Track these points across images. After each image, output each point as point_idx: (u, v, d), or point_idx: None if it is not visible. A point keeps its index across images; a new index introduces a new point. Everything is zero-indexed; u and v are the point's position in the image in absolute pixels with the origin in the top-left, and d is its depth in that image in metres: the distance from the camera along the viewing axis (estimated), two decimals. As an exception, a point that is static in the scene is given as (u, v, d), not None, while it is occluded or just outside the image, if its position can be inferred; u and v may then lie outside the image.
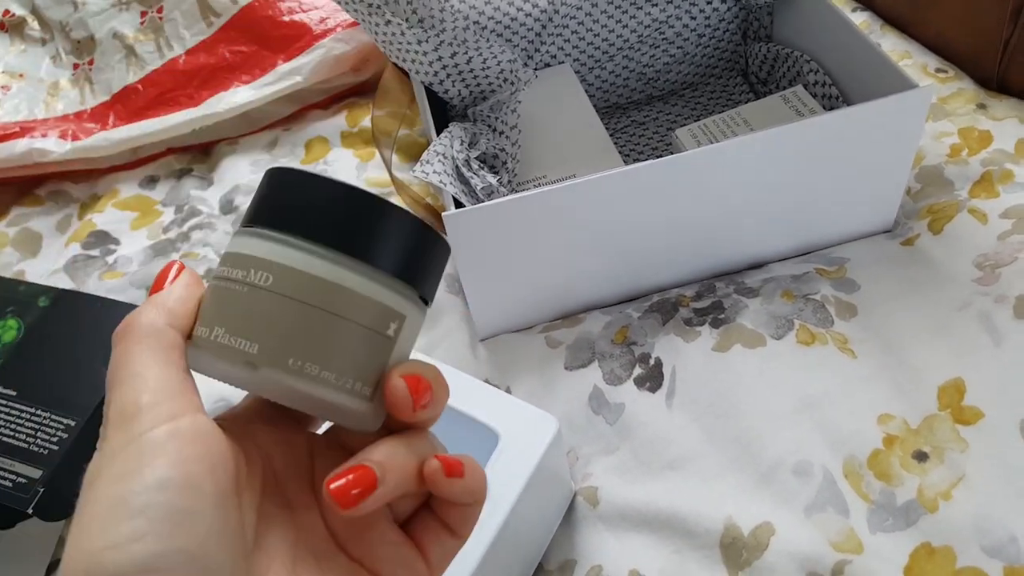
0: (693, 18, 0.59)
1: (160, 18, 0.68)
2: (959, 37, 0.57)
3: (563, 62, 0.59)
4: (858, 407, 0.41)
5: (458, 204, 0.45)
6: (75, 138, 0.64)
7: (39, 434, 0.40)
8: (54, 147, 0.63)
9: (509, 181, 0.50)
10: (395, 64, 0.59)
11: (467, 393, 0.39)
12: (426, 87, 0.52)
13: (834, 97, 0.51)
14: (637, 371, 0.45)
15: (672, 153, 0.53)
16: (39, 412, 0.41)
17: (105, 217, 0.61)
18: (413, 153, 0.62)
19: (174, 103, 0.65)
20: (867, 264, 0.48)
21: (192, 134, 0.64)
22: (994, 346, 0.41)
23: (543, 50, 0.58)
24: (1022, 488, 0.37)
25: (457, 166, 0.47)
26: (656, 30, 0.59)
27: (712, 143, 0.50)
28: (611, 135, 0.61)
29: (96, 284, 0.57)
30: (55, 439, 0.40)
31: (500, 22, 0.56)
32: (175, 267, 0.23)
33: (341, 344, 0.21)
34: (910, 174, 0.52)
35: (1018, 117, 0.52)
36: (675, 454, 0.41)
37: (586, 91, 0.61)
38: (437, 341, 0.50)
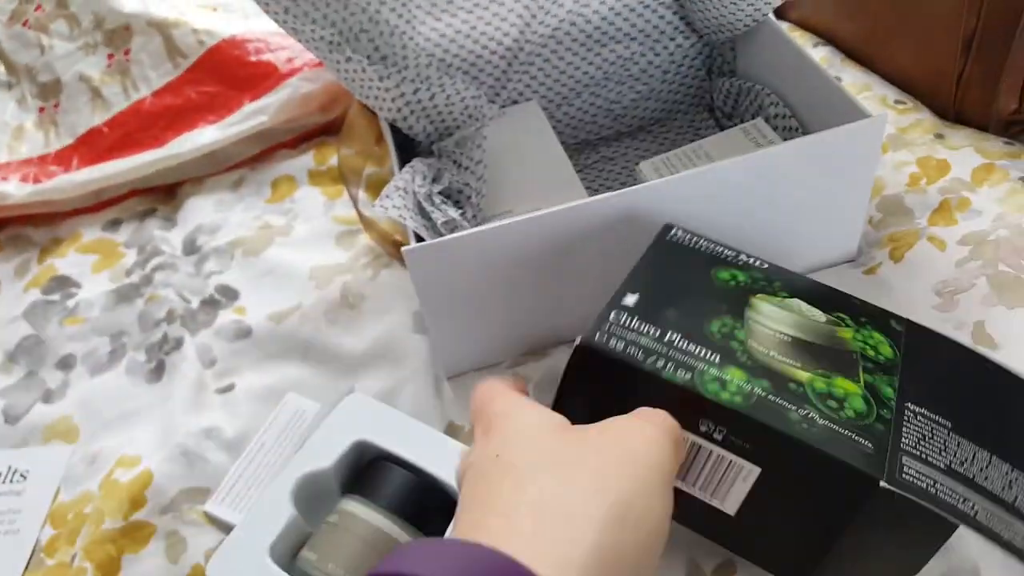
0: (657, 55, 0.59)
1: (127, 60, 0.68)
2: (916, 70, 0.58)
3: (530, 99, 0.60)
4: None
5: (420, 239, 0.45)
6: (36, 180, 0.63)
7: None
8: (14, 190, 0.62)
9: (474, 216, 0.50)
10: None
11: (430, 449, 0.39)
12: (390, 124, 0.52)
13: (794, 129, 0.51)
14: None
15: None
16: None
17: (66, 261, 0.60)
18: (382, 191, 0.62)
19: (139, 144, 0.65)
20: (832, 294, 0.48)
21: (156, 175, 0.64)
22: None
23: (509, 87, 0.59)
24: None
25: (419, 200, 0.47)
26: (621, 67, 0.59)
27: (674, 173, 0.50)
28: (580, 170, 0.61)
29: (57, 331, 0.56)
30: None
31: (465, 59, 0.56)
32: None
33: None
34: (871, 204, 0.52)
35: (974, 146, 0.53)
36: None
37: (555, 127, 0.61)
38: (401, 384, 0.49)
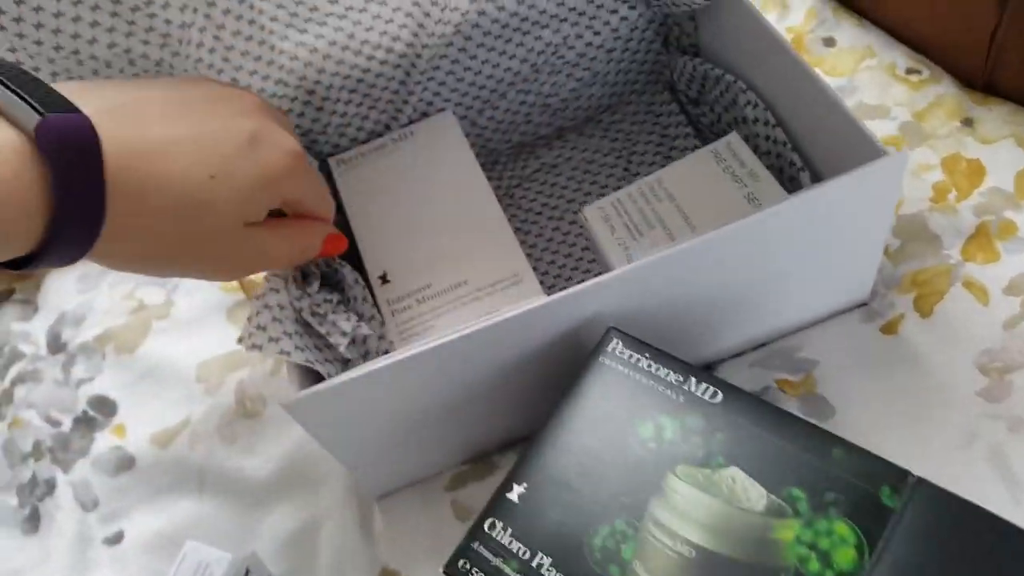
0: (597, 33, 0.46)
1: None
2: (934, 25, 0.44)
3: (443, 109, 0.47)
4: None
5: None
6: None
7: None
8: None
9: (374, 305, 0.39)
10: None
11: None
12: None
13: (780, 142, 0.39)
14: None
15: (583, 234, 0.42)
16: None
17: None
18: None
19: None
20: (842, 369, 0.37)
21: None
22: (1013, 503, 0.31)
23: (412, 101, 0.45)
24: None
25: (301, 317, 0.36)
26: (553, 54, 0.46)
27: (628, 224, 0.39)
28: (519, 184, 0.49)
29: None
30: None
31: (349, 76, 0.43)
32: None
33: None
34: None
35: (1014, 136, 0.41)
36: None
37: (481, 135, 0.49)
38: (320, 519, 0.40)
